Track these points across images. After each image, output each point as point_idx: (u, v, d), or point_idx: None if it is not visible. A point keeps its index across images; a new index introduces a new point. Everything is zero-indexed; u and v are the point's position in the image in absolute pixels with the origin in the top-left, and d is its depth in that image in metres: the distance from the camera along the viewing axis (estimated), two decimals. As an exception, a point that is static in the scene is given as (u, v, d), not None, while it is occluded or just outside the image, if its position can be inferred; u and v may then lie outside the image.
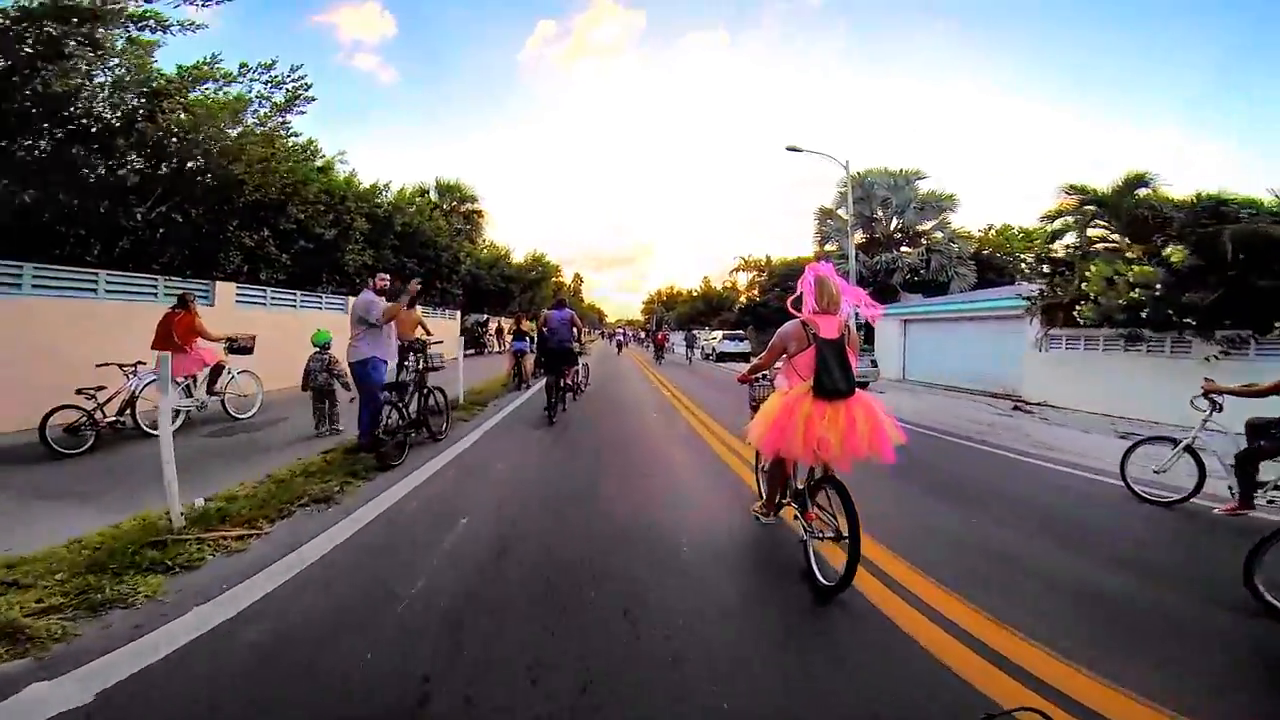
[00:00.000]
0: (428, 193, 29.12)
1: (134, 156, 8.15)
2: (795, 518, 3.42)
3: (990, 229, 33.94)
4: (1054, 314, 13.73)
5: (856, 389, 3.07)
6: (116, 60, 7.96)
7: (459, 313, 24.36)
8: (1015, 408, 13.06)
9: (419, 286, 5.53)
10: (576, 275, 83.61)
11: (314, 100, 11.13)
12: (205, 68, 9.82)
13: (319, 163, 15.57)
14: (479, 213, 33.17)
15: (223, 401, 7.63)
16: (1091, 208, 14.72)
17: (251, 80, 10.60)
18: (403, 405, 5.80)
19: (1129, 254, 11.57)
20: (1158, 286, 10.53)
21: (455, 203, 31.30)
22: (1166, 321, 10.70)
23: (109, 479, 4.85)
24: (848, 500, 2.91)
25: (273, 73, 10.75)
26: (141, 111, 8.53)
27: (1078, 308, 12.26)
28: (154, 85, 8.84)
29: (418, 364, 6.65)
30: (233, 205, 10.38)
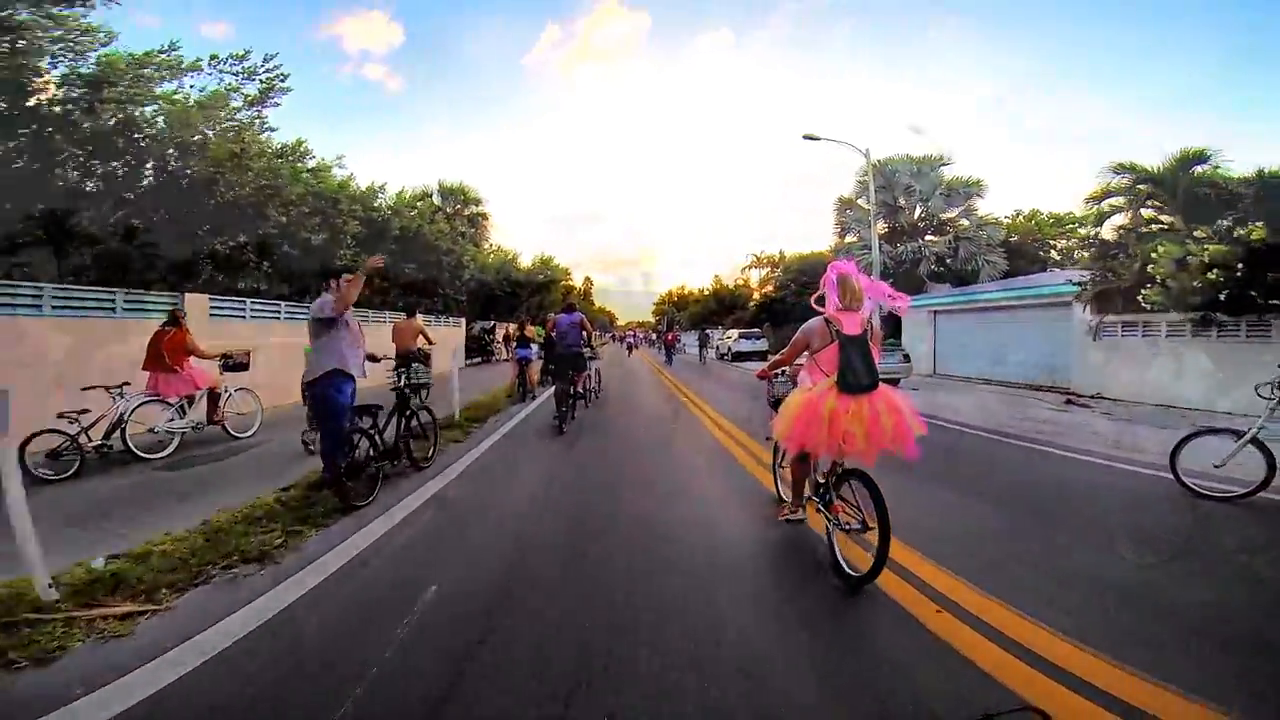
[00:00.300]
0: (430, 196, 28.29)
1: (75, 153, 7.13)
2: (818, 511, 3.40)
3: (1019, 215, 32.43)
4: (1109, 299, 12.68)
5: (880, 383, 3.08)
6: (52, 44, 7.03)
7: (464, 320, 23.55)
8: (1068, 401, 12.13)
9: (380, 262, 4.62)
10: (586, 278, 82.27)
11: (290, 91, 10.23)
12: (160, 55, 8.64)
13: (311, 164, 14.71)
14: (484, 216, 32.18)
15: (222, 424, 7.16)
16: (1144, 187, 13.67)
17: (222, 72, 9.63)
18: (376, 432, 4.84)
19: (1197, 233, 10.45)
20: (1239, 266, 9.41)
21: (459, 206, 30.41)
22: (1248, 304, 9.67)
23: (51, 516, 3.86)
24: (876, 492, 2.88)
25: (245, 64, 9.78)
26: (83, 103, 7.37)
27: (1142, 292, 11.18)
28: (92, 74, 7.57)
29: (401, 379, 5.72)
30: (202, 208, 9.38)
